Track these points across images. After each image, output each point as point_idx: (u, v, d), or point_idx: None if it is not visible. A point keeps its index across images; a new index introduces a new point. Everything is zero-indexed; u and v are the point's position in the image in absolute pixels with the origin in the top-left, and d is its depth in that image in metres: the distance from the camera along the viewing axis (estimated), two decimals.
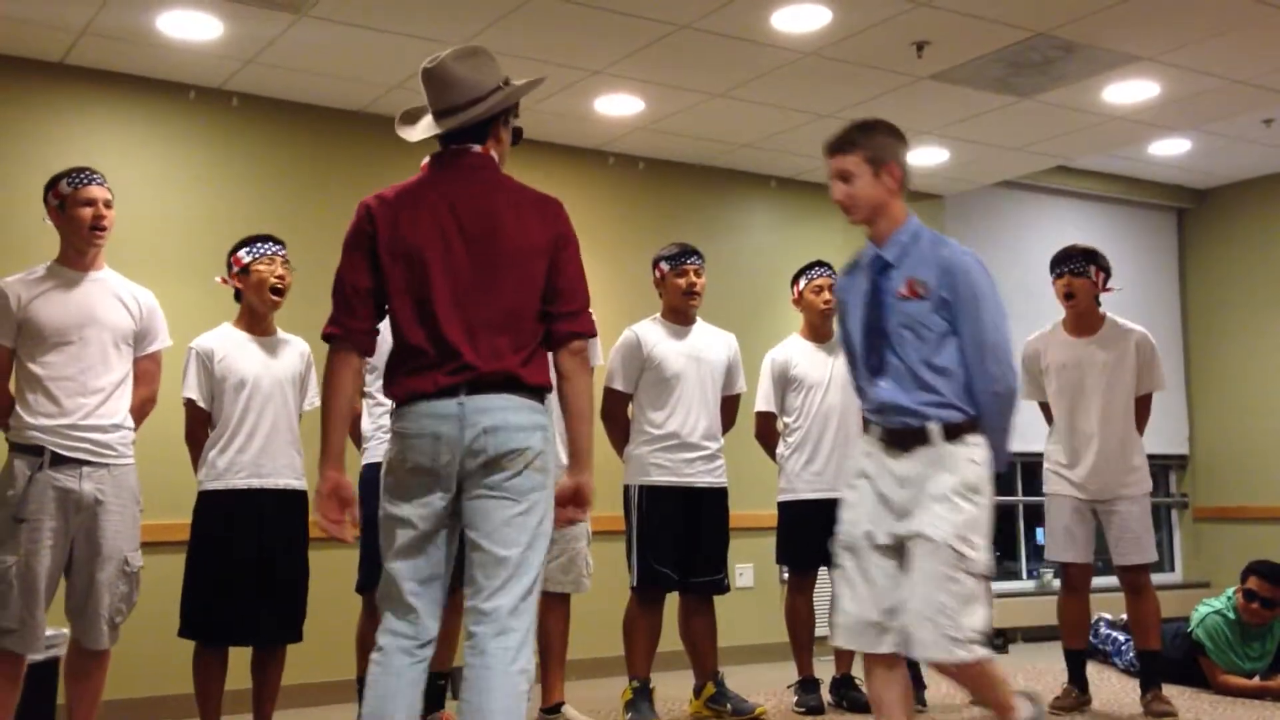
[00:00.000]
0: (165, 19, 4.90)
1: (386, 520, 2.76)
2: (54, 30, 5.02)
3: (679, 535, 4.66)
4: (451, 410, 2.68)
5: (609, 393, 4.79)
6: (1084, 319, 4.95)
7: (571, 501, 2.86)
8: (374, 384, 4.32)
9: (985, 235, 7.85)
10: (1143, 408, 4.94)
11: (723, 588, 4.79)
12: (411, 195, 2.81)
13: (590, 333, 2.85)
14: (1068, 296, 4.92)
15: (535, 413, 2.74)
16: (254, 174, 5.73)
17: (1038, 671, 5.95)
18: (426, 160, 2.92)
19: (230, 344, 4.10)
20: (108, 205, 3.86)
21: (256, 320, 4.16)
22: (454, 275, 2.73)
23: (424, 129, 2.90)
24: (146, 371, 3.96)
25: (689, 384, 4.73)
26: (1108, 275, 4.96)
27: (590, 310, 2.88)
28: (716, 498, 4.77)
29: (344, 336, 2.80)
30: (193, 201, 5.56)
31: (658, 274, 4.86)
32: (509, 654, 2.62)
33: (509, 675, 2.61)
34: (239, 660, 4.09)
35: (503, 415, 2.69)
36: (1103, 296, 4.98)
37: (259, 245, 4.15)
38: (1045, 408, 5.07)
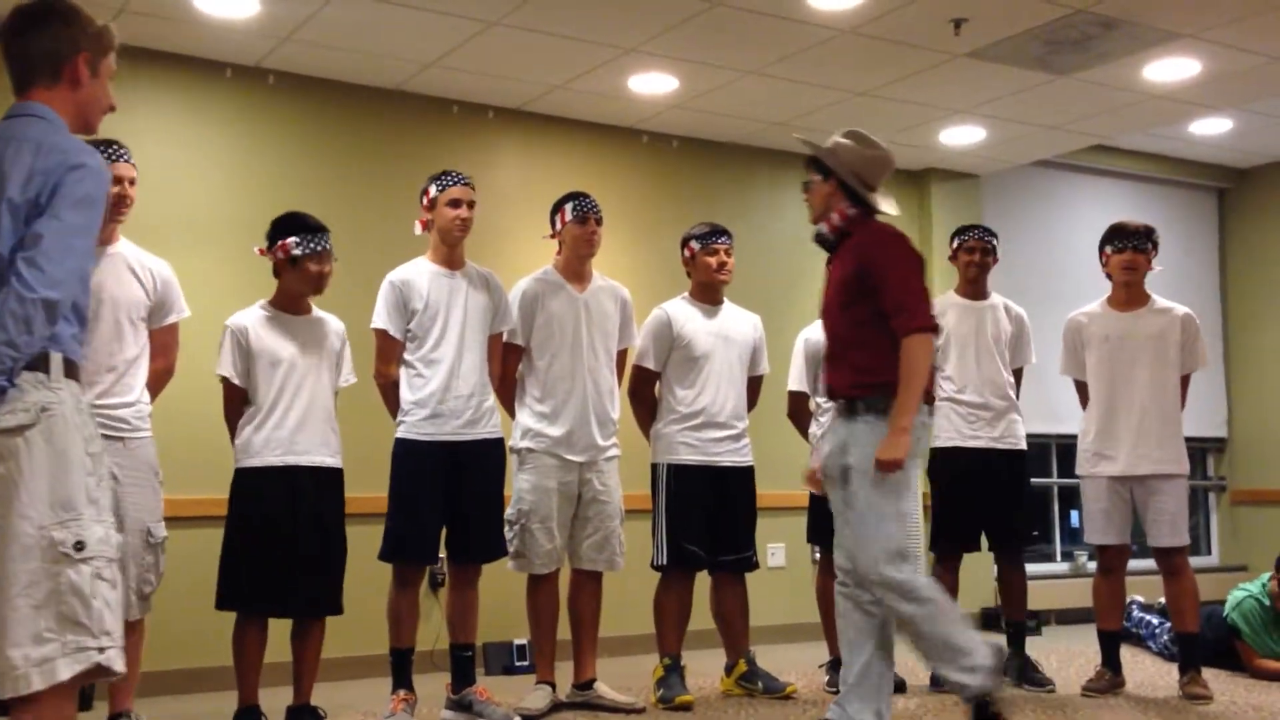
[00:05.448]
0: None
1: None
2: (92, 7, 4.93)
3: (707, 514, 4.67)
4: None
5: (638, 370, 4.79)
6: (1135, 294, 4.91)
7: None
8: (415, 353, 4.32)
9: (1022, 215, 7.79)
10: (1181, 388, 4.89)
11: (751, 565, 4.81)
12: None
13: None
14: (1129, 270, 4.87)
15: None
16: (290, 152, 5.75)
17: (1071, 654, 5.92)
18: None
19: (265, 322, 4.11)
20: (132, 183, 3.86)
21: (293, 299, 4.16)
22: None
23: None
24: (163, 344, 3.97)
25: (717, 363, 4.74)
26: (1157, 253, 4.93)
27: None
28: (743, 477, 4.78)
29: None
30: (229, 179, 5.60)
31: (687, 253, 4.85)
32: None
33: None
34: (278, 634, 4.14)
35: None
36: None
37: (311, 240, 4.06)
38: (1081, 387, 5.03)
